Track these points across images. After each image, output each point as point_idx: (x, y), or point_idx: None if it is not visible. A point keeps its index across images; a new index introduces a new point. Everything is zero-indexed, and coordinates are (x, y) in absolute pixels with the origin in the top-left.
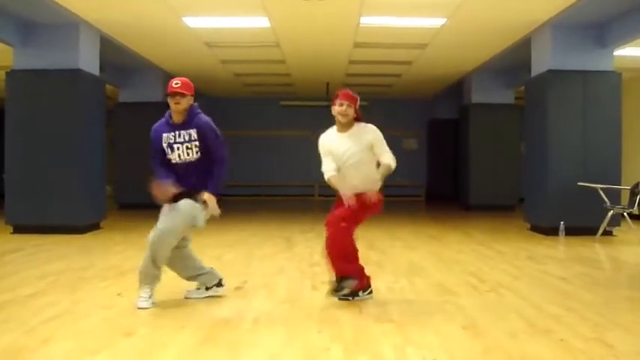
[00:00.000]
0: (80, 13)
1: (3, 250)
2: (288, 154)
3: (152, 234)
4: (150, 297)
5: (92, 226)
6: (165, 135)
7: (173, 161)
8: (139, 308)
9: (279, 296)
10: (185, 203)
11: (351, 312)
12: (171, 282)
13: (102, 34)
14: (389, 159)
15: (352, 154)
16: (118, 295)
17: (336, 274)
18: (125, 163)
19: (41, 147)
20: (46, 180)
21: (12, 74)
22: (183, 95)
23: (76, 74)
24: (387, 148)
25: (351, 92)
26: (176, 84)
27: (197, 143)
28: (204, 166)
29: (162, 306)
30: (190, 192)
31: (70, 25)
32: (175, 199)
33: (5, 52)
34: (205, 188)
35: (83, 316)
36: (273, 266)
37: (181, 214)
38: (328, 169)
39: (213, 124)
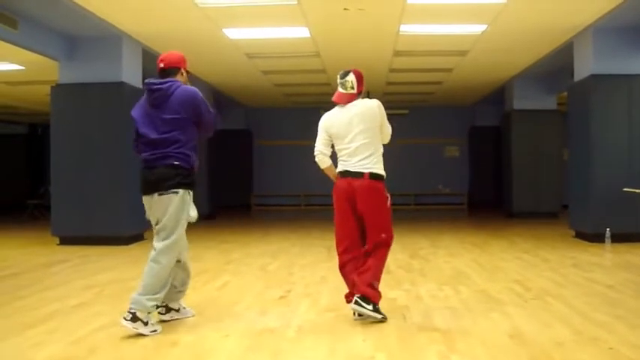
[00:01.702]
0: (122, 27)
1: (50, 261)
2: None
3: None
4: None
5: (136, 237)
6: None
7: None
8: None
9: (322, 305)
10: None
11: (396, 320)
12: (214, 292)
13: (144, 47)
14: None
15: None
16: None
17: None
18: None
19: (86, 159)
20: (92, 192)
21: (57, 88)
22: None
23: (119, 87)
24: None
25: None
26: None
27: None
28: None
29: (206, 315)
30: None
31: (113, 39)
32: None
33: (50, 67)
34: None
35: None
36: (316, 275)
37: None
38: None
39: None
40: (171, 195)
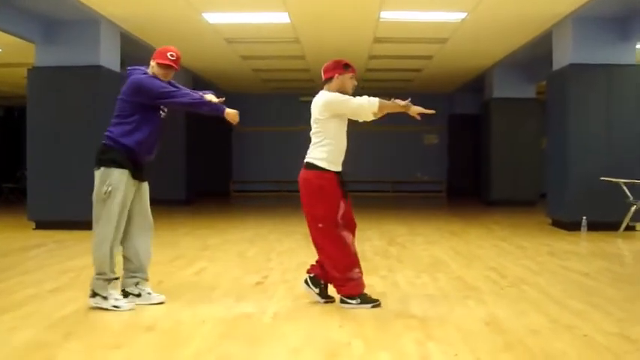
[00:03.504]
0: (101, 10)
1: (26, 245)
2: (308, 150)
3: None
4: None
5: None
6: None
7: (162, 118)
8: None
9: (299, 291)
10: None
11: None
12: (190, 278)
13: (122, 31)
14: None
15: None
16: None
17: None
18: None
19: (62, 143)
20: (68, 176)
21: (34, 71)
22: (175, 72)
23: (96, 71)
24: None
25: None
26: (172, 57)
27: None
28: None
29: (182, 301)
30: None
31: (91, 22)
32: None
33: (27, 50)
34: None
35: (104, 311)
36: (294, 262)
37: None
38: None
39: None
40: (95, 170)
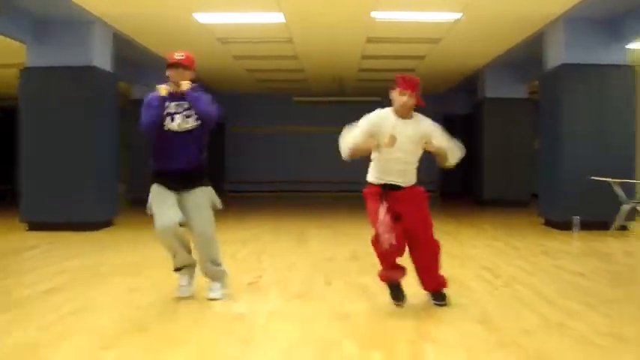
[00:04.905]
0: (93, 10)
1: (20, 247)
2: (302, 150)
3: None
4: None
5: (105, 223)
6: (168, 103)
7: (172, 130)
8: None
9: (292, 291)
10: (203, 196)
11: (365, 307)
12: None
13: (115, 31)
14: (454, 145)
15: (407, 142)
16: (133, 291)
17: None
18: (139, 160)
19: (55, 144)
20: (60, 177)
21: (26, 72)
22: (186, 68)
23: (89, 71)
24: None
25: (413, 78)
26: (179, 56)
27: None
28: (201, 136)
29: (176, 301)
30: (199, 175)
31: (84, 23)
32: (187, 185)
33: (19, 50)
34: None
35: (98, 312)
36: (286, 262)
37: (207, 207)
38: (353, 138)
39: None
40: None
